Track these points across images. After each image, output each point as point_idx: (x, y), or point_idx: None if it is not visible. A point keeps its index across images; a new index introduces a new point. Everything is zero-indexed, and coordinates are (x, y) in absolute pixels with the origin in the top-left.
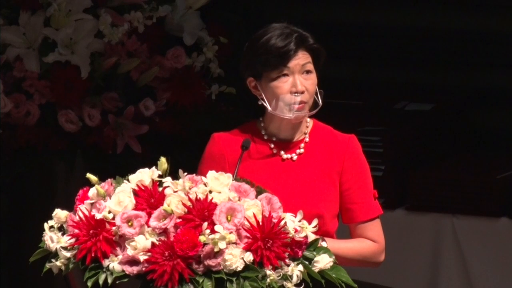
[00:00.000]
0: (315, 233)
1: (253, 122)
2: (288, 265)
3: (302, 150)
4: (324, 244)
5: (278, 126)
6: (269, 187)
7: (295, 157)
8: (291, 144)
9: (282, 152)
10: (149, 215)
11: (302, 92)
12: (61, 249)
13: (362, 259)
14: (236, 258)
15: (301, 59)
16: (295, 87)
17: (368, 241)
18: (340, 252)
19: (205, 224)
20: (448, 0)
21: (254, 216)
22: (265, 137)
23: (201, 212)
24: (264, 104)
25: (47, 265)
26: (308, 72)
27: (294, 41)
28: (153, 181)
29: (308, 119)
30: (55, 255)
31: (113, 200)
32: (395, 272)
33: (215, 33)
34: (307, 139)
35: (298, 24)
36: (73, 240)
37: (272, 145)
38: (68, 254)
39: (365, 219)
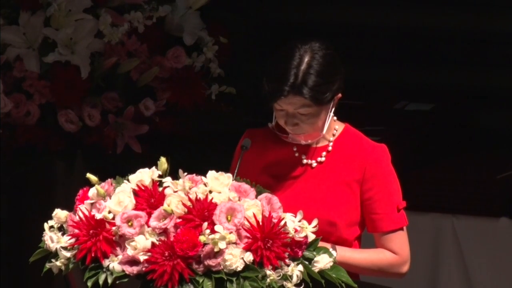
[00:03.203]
0: (327, 241)
1: None
2: (288, 265)
3: (323, 159)
4: (334, 253)
5: None
6: (286, 188)
7: (314, 164)
8: (313, 149)
9: (304, 156)
10: (149, 215)
11: (295, 126)
12: (61, 249)
13: (378, 270)
14: (236, 258)
15: (294, 104)
16: (286, 124)
17: (387, 252)
18: (351, 261)
19: (205, 224)
20: (448, 0)
21: (254, 216)
22: (290, 139)
23: (201, 212)
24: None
25: (47, 265)
26: (302, 114)
27: (288, 87)
28: (153, 181)
29: (337, 125)
30: (55, 255)
31: (113, 200)
32: None
33: (215, 33)
34: (330, 148)
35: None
36: (73, 240)
37: (295, 148)
38: (68, 254)
39: (387, 230)
